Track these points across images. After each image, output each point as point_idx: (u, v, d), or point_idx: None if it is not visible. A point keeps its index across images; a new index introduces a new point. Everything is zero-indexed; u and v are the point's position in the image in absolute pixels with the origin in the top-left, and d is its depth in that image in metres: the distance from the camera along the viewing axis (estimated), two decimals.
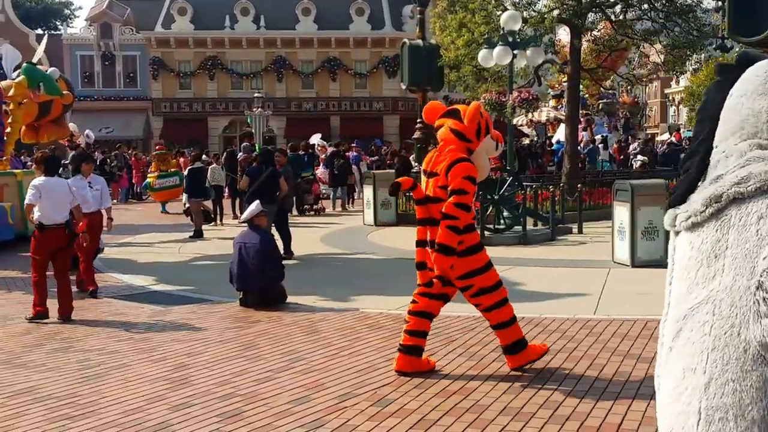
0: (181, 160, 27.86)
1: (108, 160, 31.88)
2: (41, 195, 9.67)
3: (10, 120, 16.97)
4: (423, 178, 6.99)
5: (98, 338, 8.67)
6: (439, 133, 7.06)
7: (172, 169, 25.73)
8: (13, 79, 17.02)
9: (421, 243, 6.96)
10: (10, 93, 16.55)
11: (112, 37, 49.99)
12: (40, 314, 9.55)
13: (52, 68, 18.25)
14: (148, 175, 26.50)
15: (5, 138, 17.16)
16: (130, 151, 34.86)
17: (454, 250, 6.60)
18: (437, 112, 7.21)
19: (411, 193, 7.12)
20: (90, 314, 9.97)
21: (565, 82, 27.28)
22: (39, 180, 9.90)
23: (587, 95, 33.47)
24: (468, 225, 6.78)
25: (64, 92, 17.11)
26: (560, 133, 32.95)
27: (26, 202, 9.93)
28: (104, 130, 48.61)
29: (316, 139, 29.87)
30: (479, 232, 15.42)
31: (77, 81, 49.03)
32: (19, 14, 53.44)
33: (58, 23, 67.60)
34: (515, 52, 16.74)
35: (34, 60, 18.67)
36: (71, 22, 68.40)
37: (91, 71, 50.43)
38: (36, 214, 9.71)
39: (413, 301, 7.05)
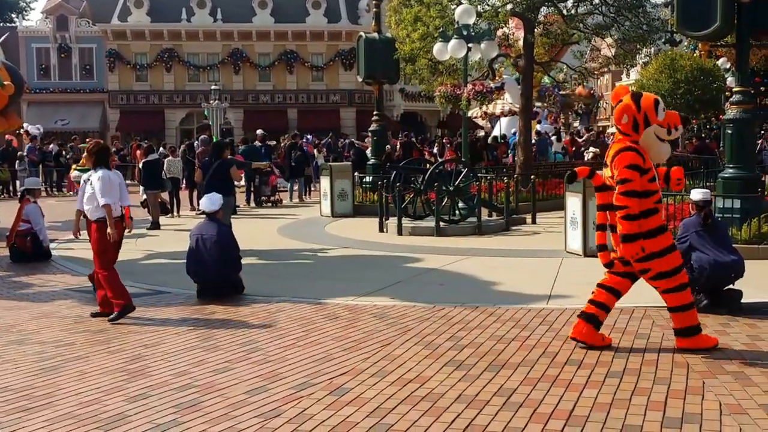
0: (138, 152, 27.59)
1: (63, 152, 31.56)
2: (114, 186, 9.18)
3: None
4: (604, 168, 7.28)
5: (54, 331, 8.64)
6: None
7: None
8: None
9: (600, 227, 7.39)
10: None
11: (68, 30, 49.40)
12: (126, 307, 9.04)
13: None
14: (73, 167, 24.72)
15: None
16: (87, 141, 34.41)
17: (637, 236, 6.90)
18: (619, 97, 7.44)
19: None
20: (46, 307, 9.93)
21: (507, 76, 27.45)
22: (103, 173, 9.14)
23: None
24: (646, 210, 6.97)
25: (6, 83, 16.14)
26: (501, 127, 33.17)
27: (107, 201, 9.02)
28: (60, 122, 48.11)
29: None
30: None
31: (33, 73, 48.52)
32: None
33: (13, 15, 66.45)
34: (469, 45, 16.89)
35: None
36: (27, 15, 67.24)
37: (47, 63, 49.82)
38: (98, 208, 9.08)
39: (604, 277, 7.43)
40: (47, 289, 11.29)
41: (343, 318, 8.87)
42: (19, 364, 7.28)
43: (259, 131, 28.43)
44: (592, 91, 45.26)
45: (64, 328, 8.74)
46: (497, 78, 29.91)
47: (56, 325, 8.96)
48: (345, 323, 8.60)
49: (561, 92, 37.89)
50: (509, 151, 28.19)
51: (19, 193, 29.44)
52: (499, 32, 20.09)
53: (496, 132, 32.85)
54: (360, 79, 24.04)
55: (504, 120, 33.37)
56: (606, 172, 7.22)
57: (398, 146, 28.11)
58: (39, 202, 14.58)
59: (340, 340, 7.84)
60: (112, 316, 8.98)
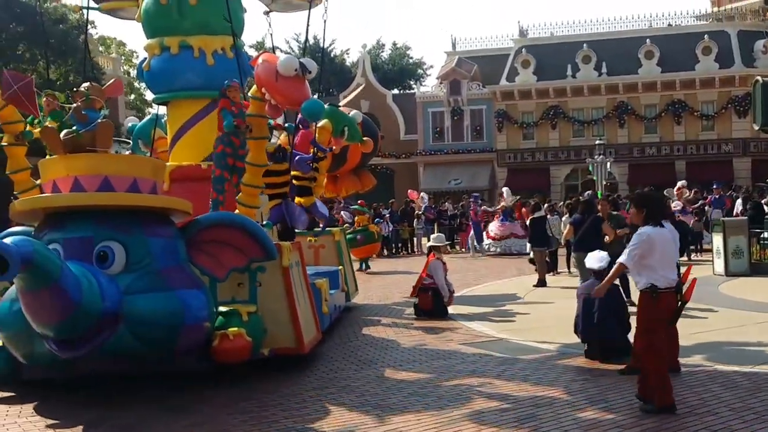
0: (523, 210, 28.34)
1: (456, 211, 33.39)
2: (656, 249, 7.66)
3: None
4: None
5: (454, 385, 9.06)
6: None
7: (362, 225, 25.30)
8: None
9: None
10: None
11: (461, 93, 52.06)
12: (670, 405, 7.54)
13: (355, 111, 15.82)
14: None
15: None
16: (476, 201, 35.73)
17: None
18: None
19: None
20: (438, 362, 10.45)
21: None
22: (649, 230, 7.70)
23: None
24: None
25: (365, 138, 14.92)
26: None
27: (625, 260, 7.76)
28: (453, 181, 50.90)
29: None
30: None
31: (429, 136, 52.14)
32: (377, 77, 57.76)
33: (412, 82, 71.85)
34: None
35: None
36: (424, 81, 72.32)
37: (441, 126, 52.94)
38: (644, 273, 7.71)
39: None
40: (442, 343, 11.88)
41: (742, 387, 8.37)
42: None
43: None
44: None
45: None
46: None
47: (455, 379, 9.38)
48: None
49: None
50: None
51: (417, 249, 31.57)
52: None
53: None
54: (756, 127, 22.67)
55: None
56: None
57: None
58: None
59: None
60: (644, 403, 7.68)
